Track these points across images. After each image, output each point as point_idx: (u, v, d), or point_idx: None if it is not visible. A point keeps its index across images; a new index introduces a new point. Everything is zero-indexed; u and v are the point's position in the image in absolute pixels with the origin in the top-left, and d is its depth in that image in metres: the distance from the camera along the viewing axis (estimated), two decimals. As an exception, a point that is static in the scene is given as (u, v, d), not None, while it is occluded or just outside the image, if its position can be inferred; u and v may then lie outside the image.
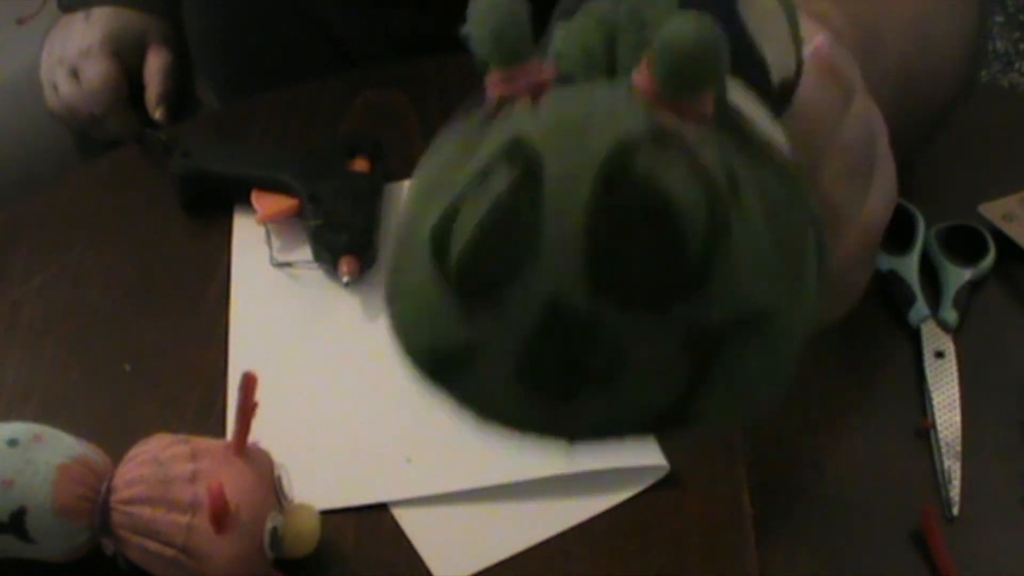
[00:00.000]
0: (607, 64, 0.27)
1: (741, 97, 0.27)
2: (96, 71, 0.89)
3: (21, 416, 0.57)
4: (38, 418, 0.57)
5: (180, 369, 0.65)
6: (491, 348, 0.24)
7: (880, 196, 0.41)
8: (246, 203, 0.71)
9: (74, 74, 0.90)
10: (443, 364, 0.26)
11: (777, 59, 0.30)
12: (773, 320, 0.24)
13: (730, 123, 0.25)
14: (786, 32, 0.32)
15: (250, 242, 0.71)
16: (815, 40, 0.36)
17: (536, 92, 0.25)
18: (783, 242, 0.24)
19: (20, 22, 0.99)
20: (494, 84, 0.25)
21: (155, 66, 0.91)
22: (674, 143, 0.23)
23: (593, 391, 0.24)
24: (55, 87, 0.91)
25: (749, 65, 0.29)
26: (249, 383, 0.53)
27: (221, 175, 0.73)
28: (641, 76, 0.24)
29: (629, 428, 0.25)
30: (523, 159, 0.23)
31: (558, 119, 0.24)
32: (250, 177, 0.72)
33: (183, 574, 0.53)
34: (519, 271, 0.23)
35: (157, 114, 0.89)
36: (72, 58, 0.90)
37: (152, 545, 0.53)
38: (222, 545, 0.52)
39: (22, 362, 0.66)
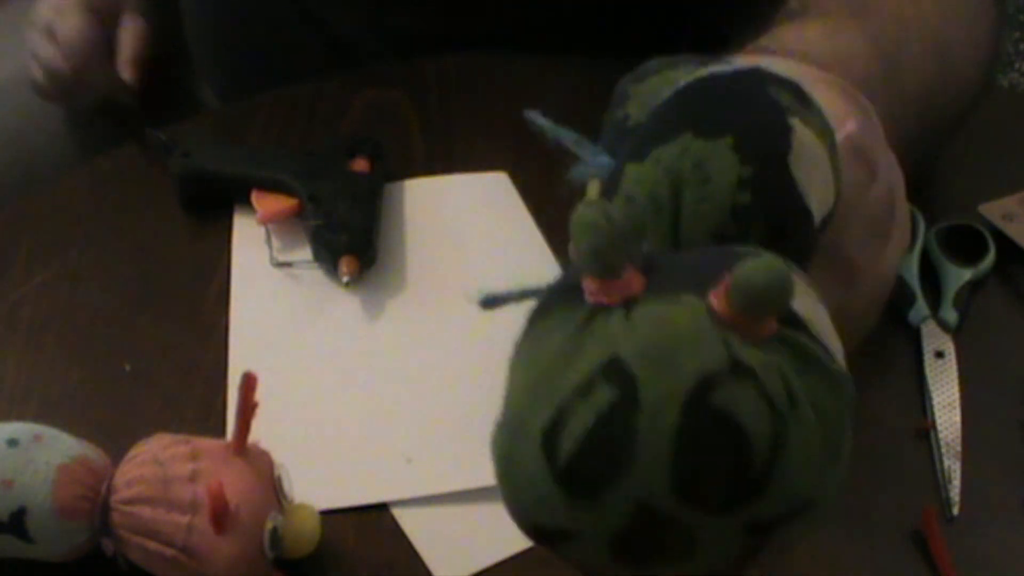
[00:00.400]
0: (672, 211, 0.32)
1: (800, 295, 0.30)
2: (70, 24, 0.86)
3: (21, 416, 0.57)
4: (38, 418, 0.57)
5: (180, 369, 0.65)
6: (588, 534, 0.29)
7: (896, 249, 0.43)
8: (246, 203, 0.71)
9: (51, 35, 0.87)
10: (546, 536, 0.31)
11: (821, 203, 0.34)
12: (815, 504, 0.30)
13: (790, 338, 0.29)
14: (829, 171, 0.35)
15: (250, 242, 0.71)
16: (846, 127, 0.38)
17: (628, 303, 0.29)
18: (828, 438, 0.29)
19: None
20: (591, 292, 0.29)
21: (127, 30, 0.87)
22: (748, 374, 0.27)
23: (668, 564, 0.29)
24: (36, 56, 0.88)
25: (798, 222, 0.33)
26: (249, 383, 0.53)
27: (221, 175, 0.73)
28: (719, 302, 0.28)
29: None
30: (621, 379, 0.28)
31: (651, 343, 0.28)
32: (250, 177, 0.72)
33: (183, 574, 0.53)
34: (616, 477, 0.28)
35: (126, 75, 0.85)
36: (46, 19, 0.87)
37: (152, 545, 0.53)
38: (222, 545, 0.52)
39: (22, 362, 0.66)
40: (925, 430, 0.62)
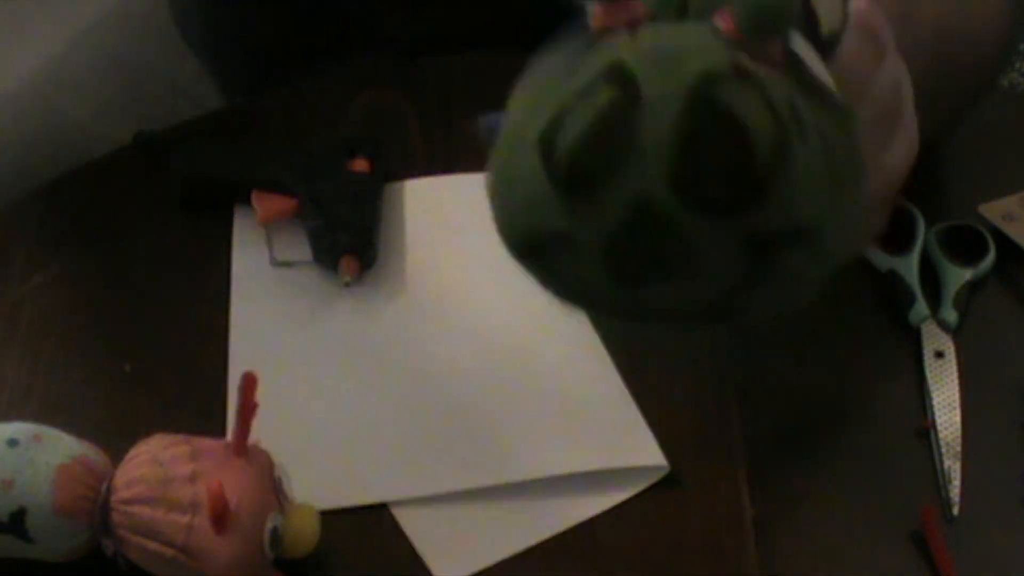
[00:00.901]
0: (679, 5, 0.31)
1: (801, 46, 0.31)
2: None
3: (21, 416, 0.57)
4: (38, 418, 0.57)
5: (180, 369, 0.65)
6: (584, 236, 0.28)
7: (901, 147, 0.43)
8: (246, 203, 0.71)
9: None
10: (539, 247, 0.30)
11: (827, 13, 0.34)
12: (817, 236, 0.29)
13: (794, 67, 0.29)
14: None
15: (250, 242, 0.71)
16: (857, 0, 0.38)
17: (632, 25, 0.29)
18: (833, 172, 0.29)
19: None
20: (597, 16, 0.30)
21: None
22: (750, 78, 0.28)
23: (664, 280, 0.28)
24: None
25: (804, 16, 0.33)
26: (249, 383, 0.53)
27: (221, 175, 0.73)
28: (724, 19, 0.28)
29: (686, 316, 0.30)
30: (622, 80, 0.28)
31: (654, 49, 0.28)
32: (250, 177, 0.72)
33: (183, 574, 0.53)
34: (614, 172, 0.27)
35: None
36: None
37: (152, 545, 0.53)
38: (222, 545, 0.52)
39: (22, 362, 0.66)
40: (925, 430, 0.62)
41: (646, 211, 0.28)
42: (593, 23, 0.30)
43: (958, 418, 0.63)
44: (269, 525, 0.53)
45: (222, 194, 0.74)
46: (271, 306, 0.69)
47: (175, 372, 0.65)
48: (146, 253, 0.72)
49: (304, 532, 0.56)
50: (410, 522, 0.59)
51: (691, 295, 0.29)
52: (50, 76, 0.92)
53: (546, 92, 0.30)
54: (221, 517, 0.51)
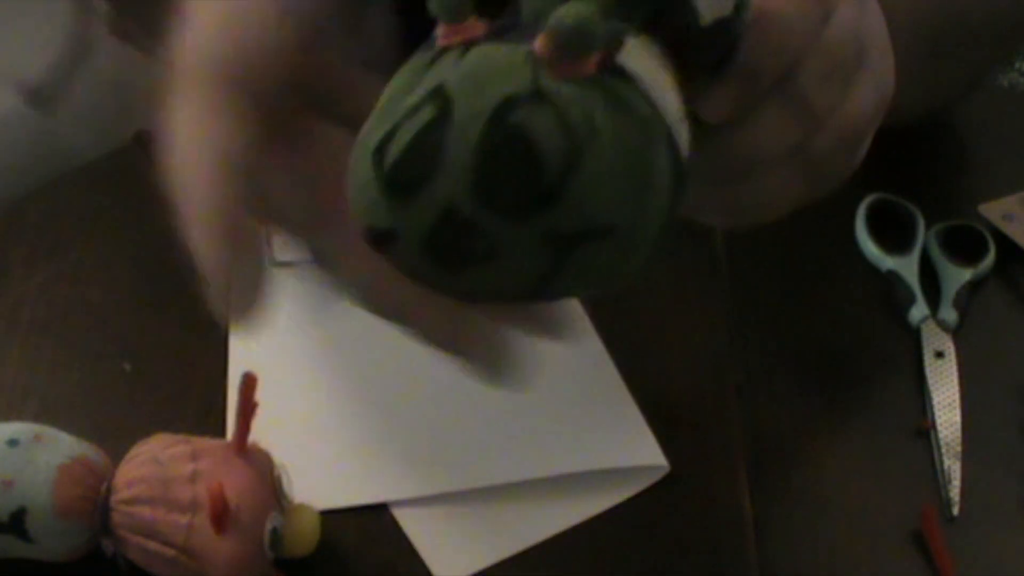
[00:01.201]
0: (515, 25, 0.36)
1: (638, 57, 0.35)
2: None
3: (21, 416, 0.57)
4: (38, 418, 0.57)
5: (180, 369, 0.65)
6: (407, 231, 0.34)
7: (867, 93, 0.42)
8: (246, 203, 0.71)
9: None
10: (377, 238, 0.35)
11: (707, 5, 0.37)
12: (617, 232, 0.34)
13: (606, 83, 0.34)
14: None
15: (250, 242, 0.71)
16: None
17: (467, 45, 0.34)
18: (632, 168, 0.34)
19: None
20: (440, 36, 0.35)
21: None
22: (548, 100, 0.33)
23: (476, 267, 0.34)
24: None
25: (675, 9, 0.37)
26: (249, 383, 0.53)
27: (221, 175, 0.73)
28: (540, 43, 0.33)
29: (506, 296, 0.36)
30: (441, 101, 0.33)
31: (470, 72, 0.33)
32: (250, 177, 0.72)
33: (183, 574, 0.53)
34: (428, 181, 0.33)
35: None
36: None
37: (152, 545, 0.53)
38: (222, 545, 0.52)
39: (22, 362, 0.66)
40: (925, 430, 0.62)
41: (452, 213, 0.33)
42: (438, 42, 0.35)
43: (958, 418, 0.63)
44: (269, 525, 0.53)
45: (222, 194, 0.73)
46: (271, 306, 0.69)
47: (175, 372, 0.65)
48: (146, 253, 0.72)
49: (304, 532, 0.56)
50: (410, 522, 0.59)
51: (505, 281, 0.35)
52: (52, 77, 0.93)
53: (391, 104, 0.35)
54: (221, 517, 0.51)
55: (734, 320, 0.68)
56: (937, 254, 0.70)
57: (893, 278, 0.69)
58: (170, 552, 0.52)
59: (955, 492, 0.60)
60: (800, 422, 0.63)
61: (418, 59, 0.36)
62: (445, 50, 0.35)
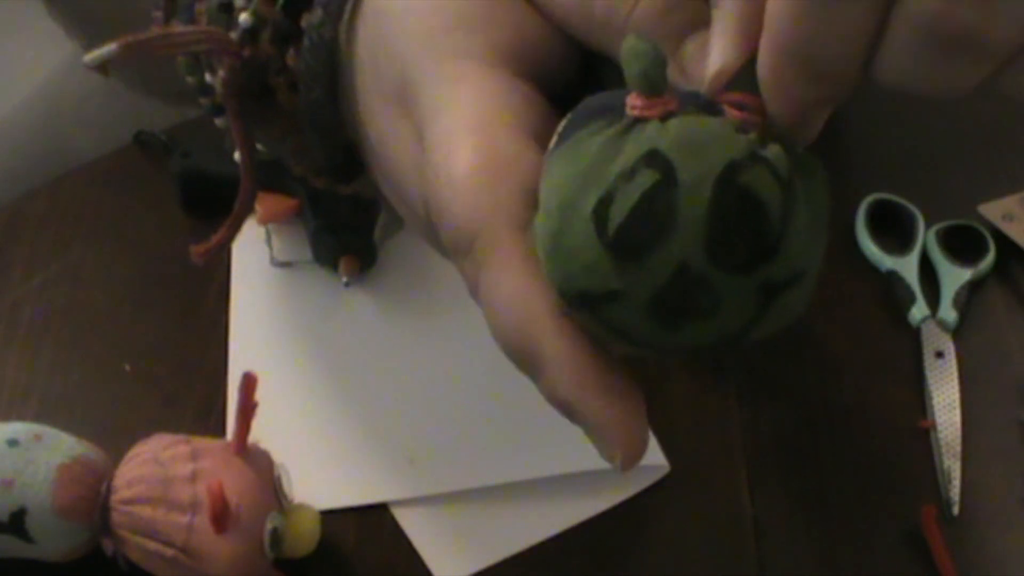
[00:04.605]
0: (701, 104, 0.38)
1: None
2: None
3: (21, 416, 0.57)
4: (38, 418, 0.57)
5: (180, 369, 0.65)
6: (633, 292, 0.35)
7: None
8: (246, 203, 0.71)
9: None
10: (594, 301, 0.36)
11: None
12: (807, 276, 0.36)
13: (790, 146, 0.36)
14: None
15: (250, 242, 0.71)
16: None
17: (664, 117, 0.35)
18: (816, 221, 0.36)
19: None
20: (635, 107, 0.36)
21: None
22: (765, 161, 0.35)
23: (697, 322, 0.35)
24: None
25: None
26: (249, 383, 0.53)
27: (221, 175, 0.73)
28: (743, 116, 0.36)
29: (709, 346, 0.36)
30: (660, 165, 0.34)
31: (685, 139, 0.35)
32: (250, 177, 0.72)
33: (183, 574, 0.53)
34: (659, 242, 0.34)
35: None
36: None
37: (152, 545, 0.53)
38: (222, 545, 0.52)
39: (22, 362, 0.66)
40: (925, 430, 0.62)
41: (685, 272, 0.35)
42: (631, 111, 0.36)
43: (958, 418, 0.63)
44: (269, 525, 0.53)
45: (222, 194, 0.73)
46: (271, 306, 0.69)
47: (175, 372, 0.65)
48: (146, 253, 0.72)
49: (304, 532, 0.56)
50: (410, 522, 0.59)
51: (716, 333, 0.36)
52: (51, 77, 0.93)
53: (591, 169, 0.36)
54: (221, 517, 0.51)
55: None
56: (937, 254, 0.70)
57: (893, 278, 0.69)
58: (170, 552, 0.52)
59: (955, 492, 0.60)
60: (800, 422, 0.63)
61: (599, 126, 0.36)
62: (638, 120, 0.36)
